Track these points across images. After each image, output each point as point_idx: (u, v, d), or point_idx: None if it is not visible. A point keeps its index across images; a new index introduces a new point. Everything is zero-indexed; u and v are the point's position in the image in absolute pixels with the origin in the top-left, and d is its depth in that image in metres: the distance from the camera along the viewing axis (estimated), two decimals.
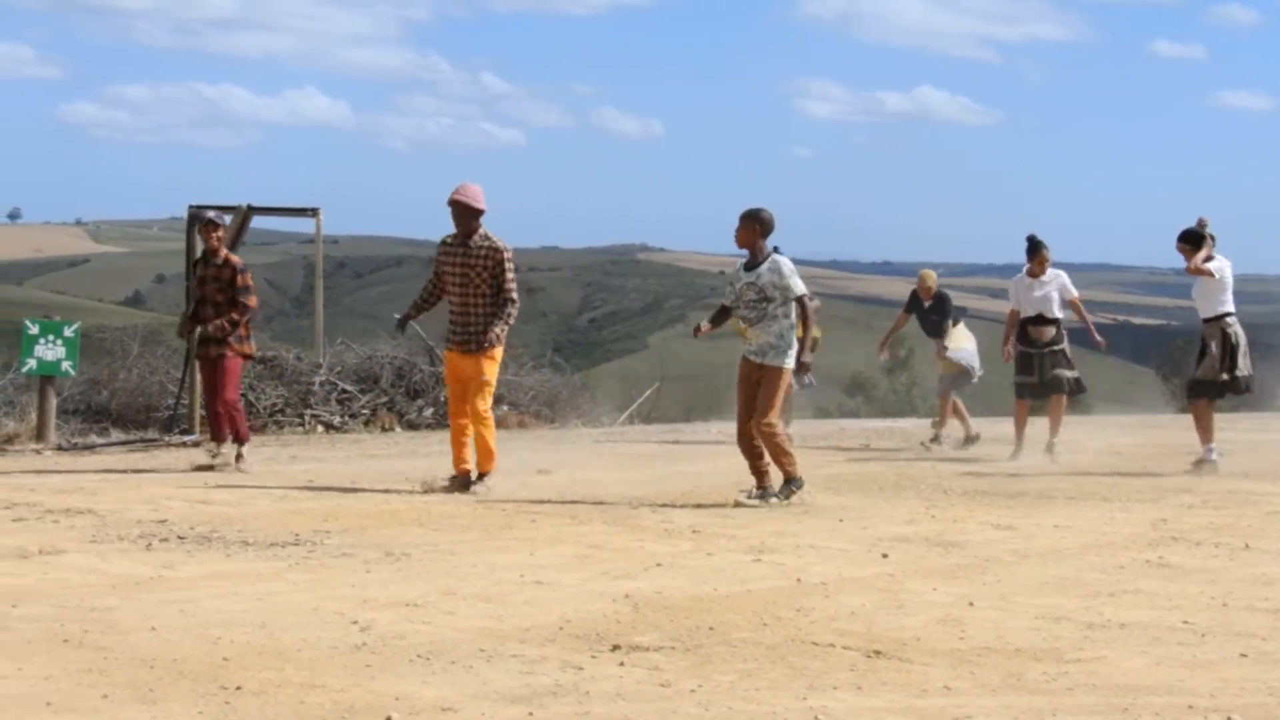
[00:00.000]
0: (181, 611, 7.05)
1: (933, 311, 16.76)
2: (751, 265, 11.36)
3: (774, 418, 11.22)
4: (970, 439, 16.41)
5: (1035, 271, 15.15)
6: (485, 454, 11.89)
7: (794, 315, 11.30)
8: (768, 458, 11.28)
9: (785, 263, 11.31)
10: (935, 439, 16.49)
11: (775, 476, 11.32)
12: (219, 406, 13.56)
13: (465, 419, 11.89)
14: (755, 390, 11.28)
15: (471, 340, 11.77)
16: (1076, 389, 15.48)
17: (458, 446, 12.02)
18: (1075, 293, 15.26)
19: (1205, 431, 13.86)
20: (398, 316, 12.58)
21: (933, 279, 16.85)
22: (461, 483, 11.82)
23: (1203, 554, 9.15)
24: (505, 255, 11.78)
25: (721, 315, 11.74)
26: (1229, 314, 13.85)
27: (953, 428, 16.73)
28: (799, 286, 11.30)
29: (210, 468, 13.39)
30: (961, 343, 16.69)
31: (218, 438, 13.67)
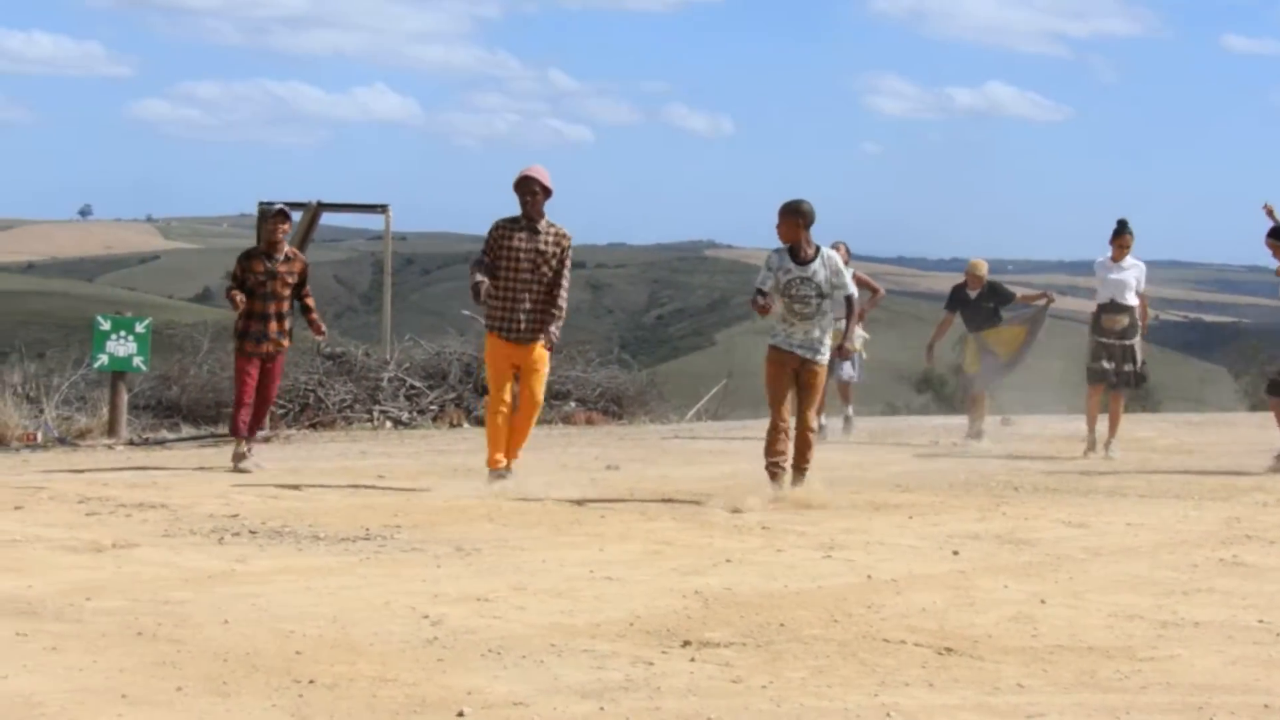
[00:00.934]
0: (254, 605, 7.10)
1: (985, 300, 16.49)
2: (802, 260, 11.19)
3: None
4: (976, 434, 16.27)
5: (1116, 255, 15.07)
6: (523, 443, 11.91)
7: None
8: (807, 456, 11.31)
9: (838, 259, 11.33)
10: (978, 433, 16.32)
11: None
12: (268, 406, 13.61)
13: (507, 409, 11.79)
14: (793, 383, 11.28)
15: (532, 330, 11.68)
16: (1135, 382, 15.37)
17: (501, 439, 11.90)
18: (1143, 287, 15.14)
19: None
20: (481, 281, 11.53)
21: (984, 268, 16.63)
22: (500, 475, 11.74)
23: (1277, 552, 9.07)
24: (570, 243, 11.75)
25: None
26: None
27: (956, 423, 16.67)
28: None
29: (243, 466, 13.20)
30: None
31: (255, 433, 13.63)
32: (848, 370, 16.87)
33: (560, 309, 11.72)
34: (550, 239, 11.62)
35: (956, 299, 16.75)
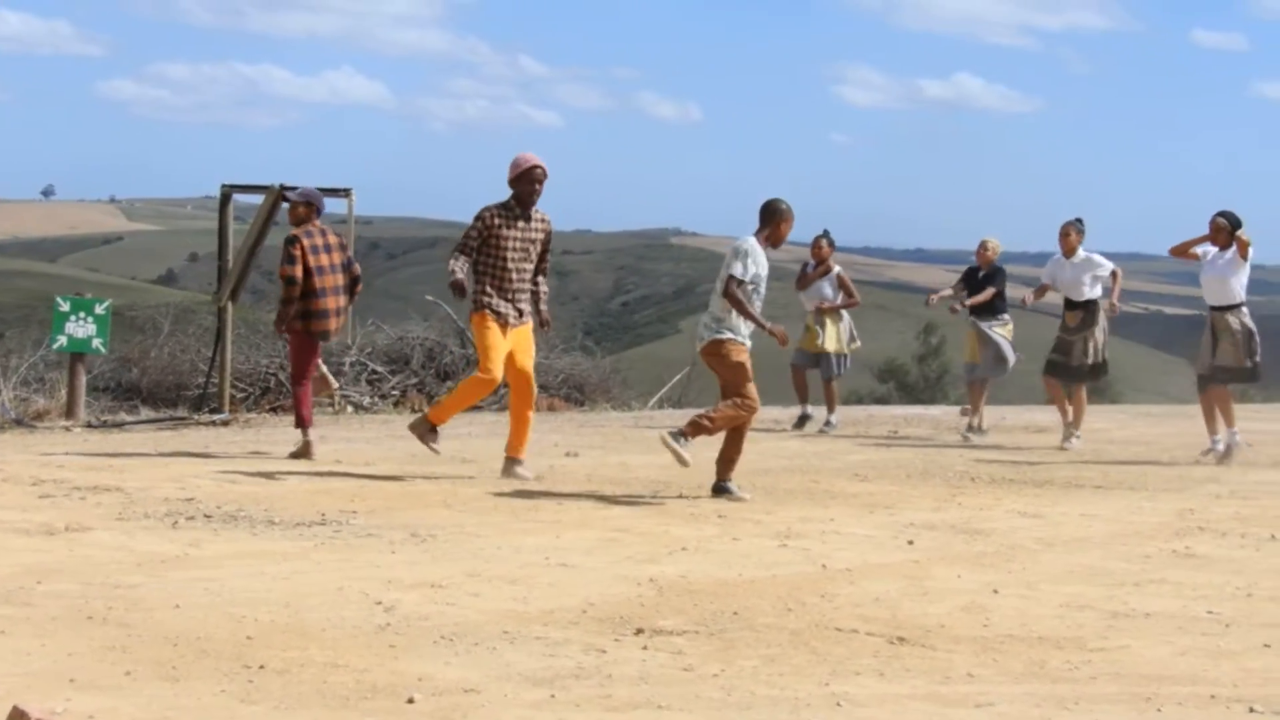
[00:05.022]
0: (206, 590, 7.08)
1: (988, 280, 16.31)
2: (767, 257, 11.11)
3: None
4: (975, 429, 16.20)
5: (1064, 251, 15.13)
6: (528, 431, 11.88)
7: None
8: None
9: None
10: (977, 427, 16.23)
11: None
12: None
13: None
14: None
15: (522, 314, 11.55)
16: (1092, 375, 15.41)
17: (458, 411, 11.86)
18: (1104, 271, 15.06)
19: (1229, 417, 13.84)
20: (461, 282, 11.32)
21: (994, 246, 16.43)
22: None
23: (1229, 544, 9.12)
24: (551, 226, 11.70)
25: None
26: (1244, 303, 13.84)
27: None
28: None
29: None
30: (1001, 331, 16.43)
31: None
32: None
33: (545, 290, 11.77)
34: (538, 225, 11.56)
35: (968, 276, 16.54)
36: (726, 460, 10.90)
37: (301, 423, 12.79)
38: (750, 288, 10.81)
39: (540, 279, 11.73)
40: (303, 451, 12.72)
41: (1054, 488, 11.75)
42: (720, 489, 10.79)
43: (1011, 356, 16.20)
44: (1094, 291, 15.14)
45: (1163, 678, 5.87)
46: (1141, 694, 5.63)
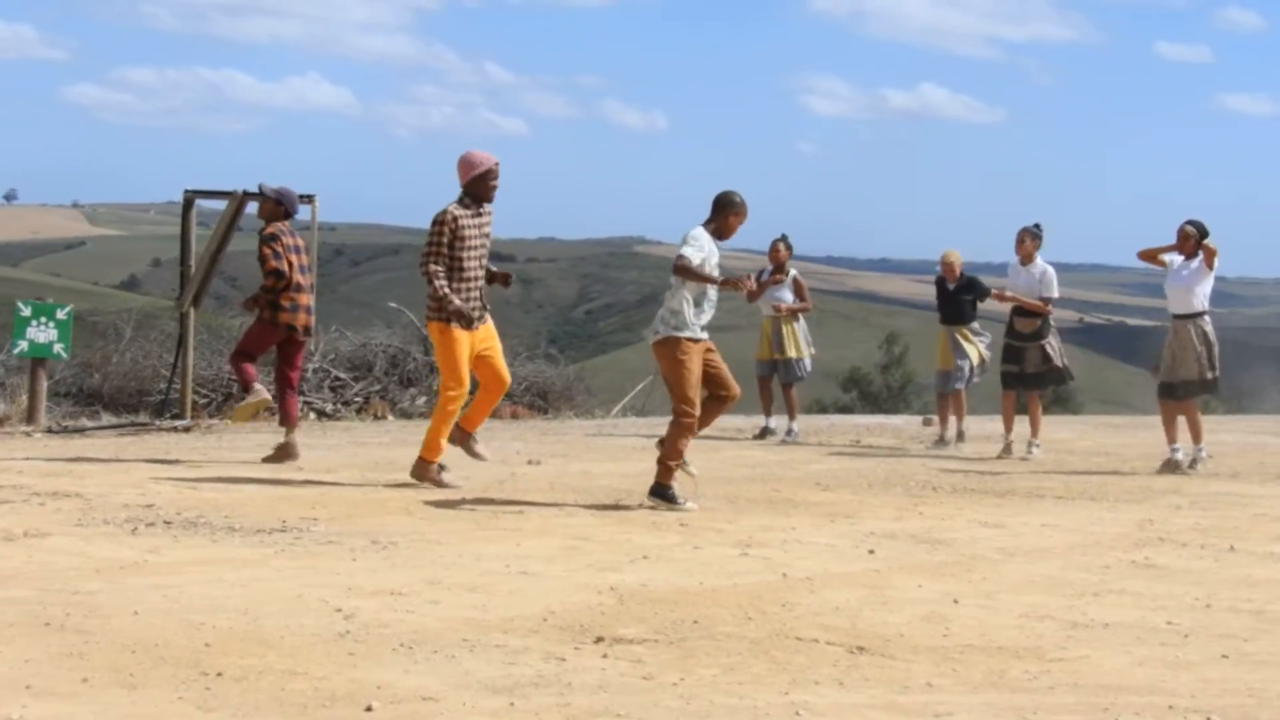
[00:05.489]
0: (165, 597, 7.05)
1: (962, 292, 16.29)
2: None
3: None
4: (946, 440, 16.22)
5: (1021, 259, 15.19)
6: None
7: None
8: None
9: None
10: (959, 436, 16.21)
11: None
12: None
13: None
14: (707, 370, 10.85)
15: (483, 310, 11.50)
16: (1055, 381, 15.47)
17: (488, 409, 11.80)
18: (1052, 294, 15.11)
19: (1196, 433, 13.89)
20: (460, 310, 11.18)
21: (957, 257, 16.39)
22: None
23: (1188, 555, 9.16)
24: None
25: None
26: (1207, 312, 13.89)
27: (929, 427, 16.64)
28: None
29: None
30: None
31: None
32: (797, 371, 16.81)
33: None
34: (487, 219, 11.49)
35: (938, 289, 16.53)
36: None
37: (246, 382, 13.03)
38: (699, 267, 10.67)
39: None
40: (282, 451, 12.98)
41: (1015, 498, 11.78)
42: (660, 493, 10.74)
43: (977, 375, 16.20)
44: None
45: (1121, 688, 5.89)
46: (1099, 704, 5.65)
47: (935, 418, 17.27)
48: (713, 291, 10.78)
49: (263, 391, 12.97)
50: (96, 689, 5.47)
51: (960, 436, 16.17)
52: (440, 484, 11.38)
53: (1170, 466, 13.75)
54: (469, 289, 11.32)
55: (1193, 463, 13.78)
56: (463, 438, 11.52)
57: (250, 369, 13.01)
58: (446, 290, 11.14)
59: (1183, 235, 13.79)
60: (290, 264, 12.86)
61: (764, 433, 16.88)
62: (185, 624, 6.50)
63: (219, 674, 5.69)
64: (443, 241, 11.23)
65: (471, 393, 11.57)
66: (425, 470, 11.48)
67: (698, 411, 10.72)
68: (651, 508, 10.53)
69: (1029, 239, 15.21)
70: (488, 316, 11.53)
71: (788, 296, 16.75)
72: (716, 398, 10.88)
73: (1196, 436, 13.92)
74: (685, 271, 10.59)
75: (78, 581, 7.38)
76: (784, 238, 16.95)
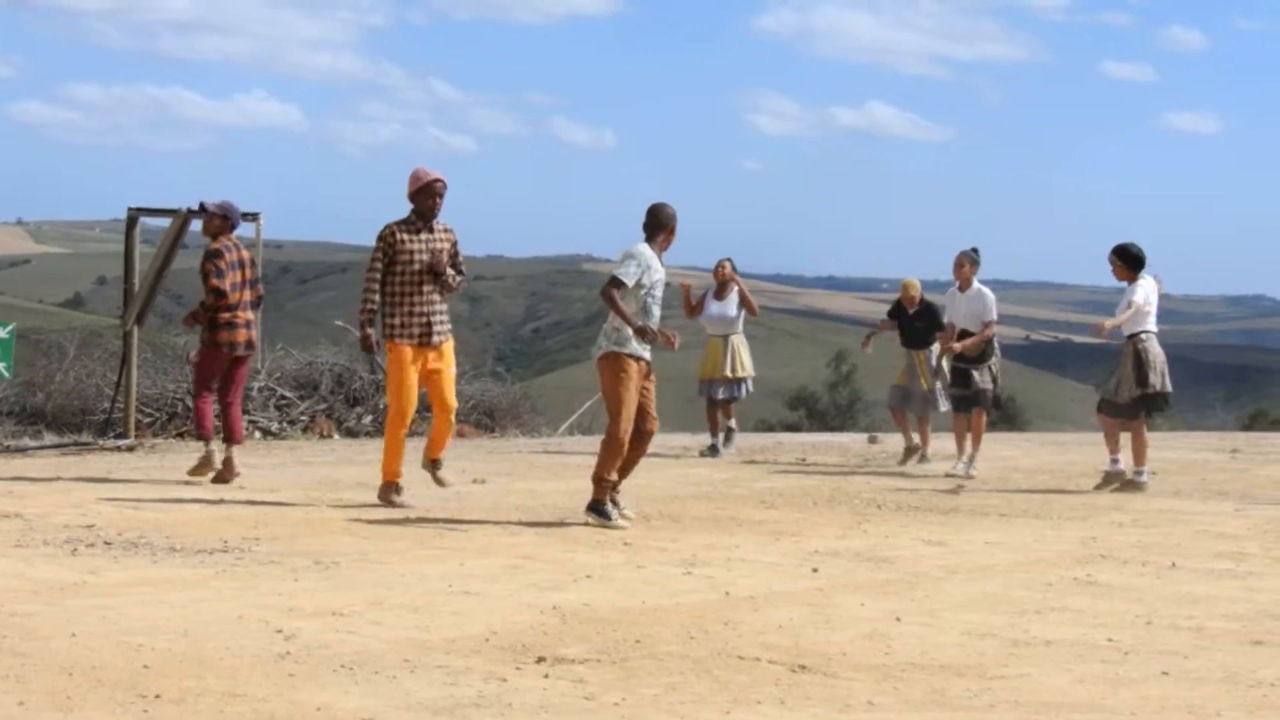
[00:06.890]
0: (104, 618, 7.00)
1: (918, 319, 16.31)
2: (661, 262, 10.98)
3: None
4: (912, 452, 16.21)
5: (959, 283, 15.21)
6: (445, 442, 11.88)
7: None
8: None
9: None
10: (922, 457, 16.18)
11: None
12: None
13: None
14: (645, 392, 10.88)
15: (443, 329, 11.44)
16: (996, 404, 15.49)
17: (402, 451, 11.62)
18: (991, 317, 15.15)
19: (1140, 454, 13.90)
20: (369, 336, 11.47)
21: (917, 288, 16.45)
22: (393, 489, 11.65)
23: (1130, 572, 9.20)
24: (456, 235, 11.61)
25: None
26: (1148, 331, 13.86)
27: (898, 441, 16.61)
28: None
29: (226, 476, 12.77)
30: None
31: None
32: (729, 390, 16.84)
33: (461, 281, 11.60)
34: (441, 235, 11.44)
35: (896, 312, 16.50)
36: (598, 480, 10.79)
37: (203, 435, 12.87)
38: (643, 292, 10.73)
39: (460, 272, 11.59)
40: (203, 464, 12.77)
41: (959, 516, 11.82)
42: (595, 509, 10.73)
43: (944, 404, 16.13)
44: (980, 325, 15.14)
45: (1061, 705, 5.91)
46: None
47: (880, 436, 17.29)
48: (655, 306, 10.80)
49: (212, 457, 12.78)
50: (33, 712, 5.43)
51: (924, 458, 16.12)
52: (398, 504, 11.38)
53: (1110, 480, 13.77)
54: (419, 312, 11.31)
55: (1130, 481, 13.74)
56: (389, 490, 11.53)
57: (207, 415, 12.87)
58: (367, 312, 11.37)
59: (1111, 263, 13.88)
60: (237, 280, 12.78)
61: (712, 450, 16.89)
62: (124, 646, 6.45)
63: (157, 696, 5.65)
64: (378, 258, 11.34)
65: (421, 412, 11.54)
66: (385, 493, 11.54)
67: (628, 435, 10.72)
68: (596, 525, 10.53)
69: (967, 264, 15.24)
70: (449, 338, 11.51)
71: (732, 313, 16.74)
72: (638, 431, 10.84)
73: (1139, 458, 13.89)
74: (610, 302, 10.64)
75: (15, 603, 7.32)
76: (729, 259, 16.97)
